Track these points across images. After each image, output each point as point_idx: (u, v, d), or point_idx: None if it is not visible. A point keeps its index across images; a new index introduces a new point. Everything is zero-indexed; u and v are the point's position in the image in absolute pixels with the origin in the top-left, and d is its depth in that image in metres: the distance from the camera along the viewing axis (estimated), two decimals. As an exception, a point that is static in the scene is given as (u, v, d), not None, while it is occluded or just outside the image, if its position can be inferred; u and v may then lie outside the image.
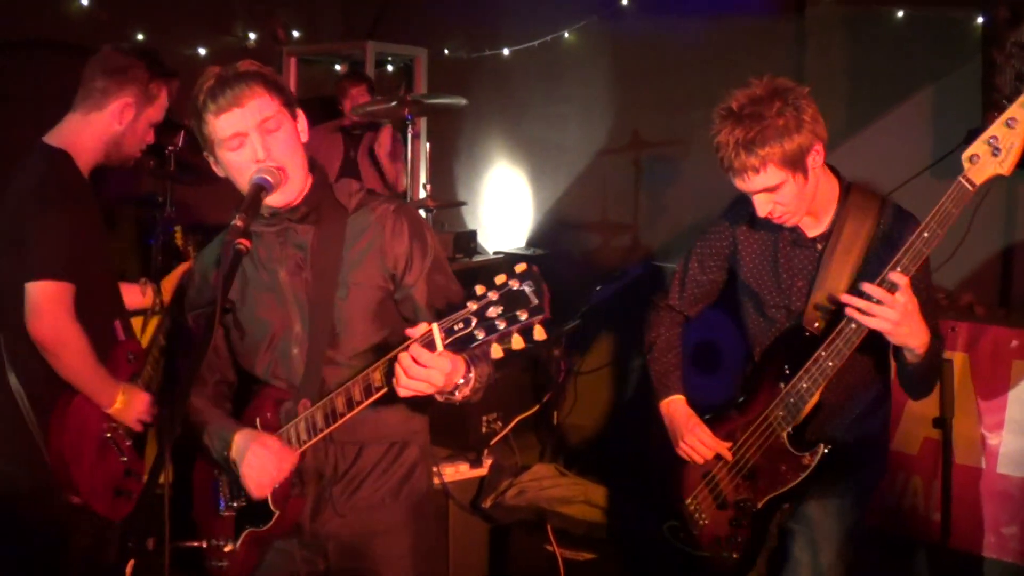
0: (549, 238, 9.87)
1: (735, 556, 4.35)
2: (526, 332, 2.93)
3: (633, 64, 9.22)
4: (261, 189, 3.31)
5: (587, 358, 7.15)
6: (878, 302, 3.66)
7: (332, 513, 3.61)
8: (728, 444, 4.32)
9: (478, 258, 8.51)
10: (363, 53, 10.13)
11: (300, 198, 3.53)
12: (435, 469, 5.66)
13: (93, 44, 8.95)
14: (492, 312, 2.94)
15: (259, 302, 3.61)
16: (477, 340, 2.97)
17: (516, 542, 5.82)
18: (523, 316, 2.91)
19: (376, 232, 3.56)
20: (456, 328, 3.00)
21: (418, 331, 3.11)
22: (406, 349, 3.14)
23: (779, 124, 3.79)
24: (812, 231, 4.14)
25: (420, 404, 3.57)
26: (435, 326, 3.04)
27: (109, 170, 4.67)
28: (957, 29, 6.99)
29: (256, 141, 3.37)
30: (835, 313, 3.96)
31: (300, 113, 3.57)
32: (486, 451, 6.13)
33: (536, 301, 2.92)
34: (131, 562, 2.96)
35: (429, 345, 3.07)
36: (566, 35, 9.51)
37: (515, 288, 2.93)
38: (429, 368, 3.12)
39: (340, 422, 3.40)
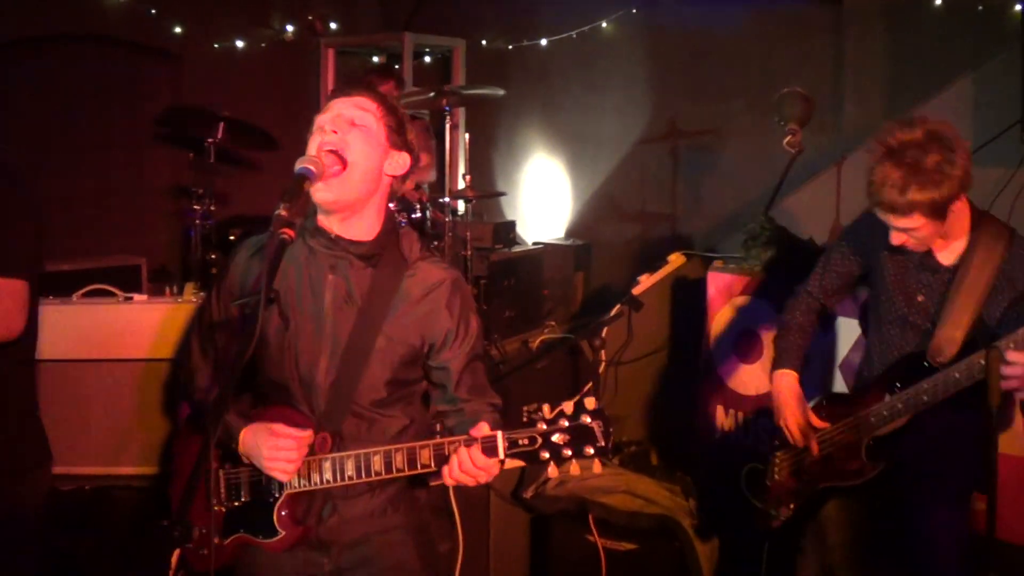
0: (588, 228, 9.87)
1: (781, 518, 4.63)
2: (586, 465, 3.12)
3: (670, 54, 9.21)
4: (304, 179, 3.28)
5: (627, 348, 7.14)
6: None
7: (338, 519, 3.60)
8: (825, 426, 4.48)
9: (517, 248, 8.52)
10: (401, 45, 10.13)
11: (371, 237, 3.56)
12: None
13: (131, 37, 9.09)
14: (559, 439, 3.12)
15: (297, 316, 3.57)
16: (539, 460, 3.14)
17: (557, 532, 5.83)
18: (589, 451, 3.11)
19: (429, 298, 3.58)
20: (521, 443, 3.15)
21: (482, 432, 3.21)
22: (467, 445, 3.22)
23: (935, 179, 3.88)
24: (943, 258, 4.22)
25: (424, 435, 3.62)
26: (500, 435, 3.17)
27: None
28: (996, 17, 6.95)
29: (334, 122, 3.45)
30: (957, 354, 4.07)
31: (404, 155, 3.59)
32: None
33: (603, 443, 3.12)
34: (176, 552, 2.97)
35: (490, 450, 3.18)
36: (603, 25, 9.50)
37: (586, 424, 3.11)
38: (482, 470, 3.22)
39: (370, 480, 3.44)
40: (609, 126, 9.70)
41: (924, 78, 7.28)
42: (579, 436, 3.12)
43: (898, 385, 4.20)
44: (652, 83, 9.35)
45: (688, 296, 7.12)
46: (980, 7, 7.16)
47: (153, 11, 9.05)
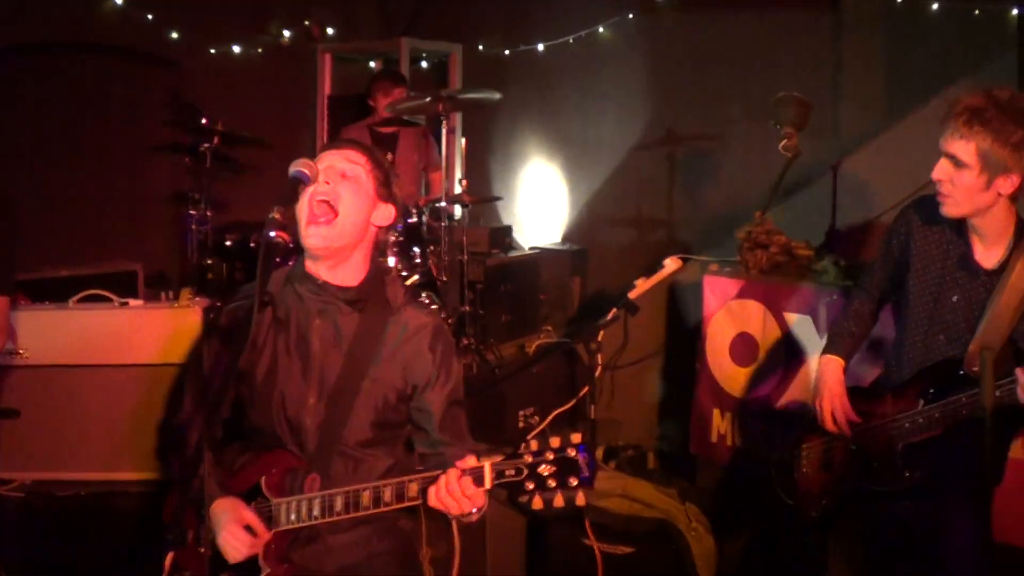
0: (584, 233, 9.88)
1: (813, 515, 4.61)
2: (570, 499, 3.15)
3: (667, 59, 9.22)
4: (299, 182, 3.44)
5: (623, 352, 7.15)
6: None
7: (322, 546, 3.70)
8: (858, 420, 4.44)
9: (514, 253, 8.52)
10: (398, 50, 10.15)
11: (356, 283, 3.72)
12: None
13: (128, 44, 9.10)
14: (544, 470, 3.15)
15: (282, 358, 3.71)
16: (525, 491, 3.17)
17: (554, 536, 5.82)
18: (574, 483, 3.13)
19: (411, 344, 3.73)
20: (507, 473, 3.19)
21: (469, 463, 3.27)
22: (454, 472, 3.29)
23: (1008, 129, 3.88)
24: (982, 259, 4.18)
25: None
26: (488, 465, 3.23)
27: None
28: (994, 22, 6.97)
29: (327, 173, 3.58)
30: (996, 366, 3.95)
31: (390, 207, 3.74)
32: (523, 445, 6.13)
33: (588, 474, 3.14)
34: (170, 555, 2.98)
35: (477, 479, 3.24)
36: (600, 30, 9.52)
37: (571, 456, 3.15)
38: (467, 498, 3.27)
39: (358, 515, 3.53)
40: (606, 131, 9.71)
41: (921, 83, 7.28)
42: (564, 468, 3.15)
43: (932, 392, 4.17)
44: (649, 88, 9.36)
45: (684, 300, 7.14)
46: (977, 12, 7.17)
47: (150, 17, 9.04)
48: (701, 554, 5.59)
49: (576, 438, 3.17)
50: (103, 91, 9.08)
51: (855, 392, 4.55)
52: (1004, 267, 4.10)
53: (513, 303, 8.09)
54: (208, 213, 7.29)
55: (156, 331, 5.67)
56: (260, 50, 9.96)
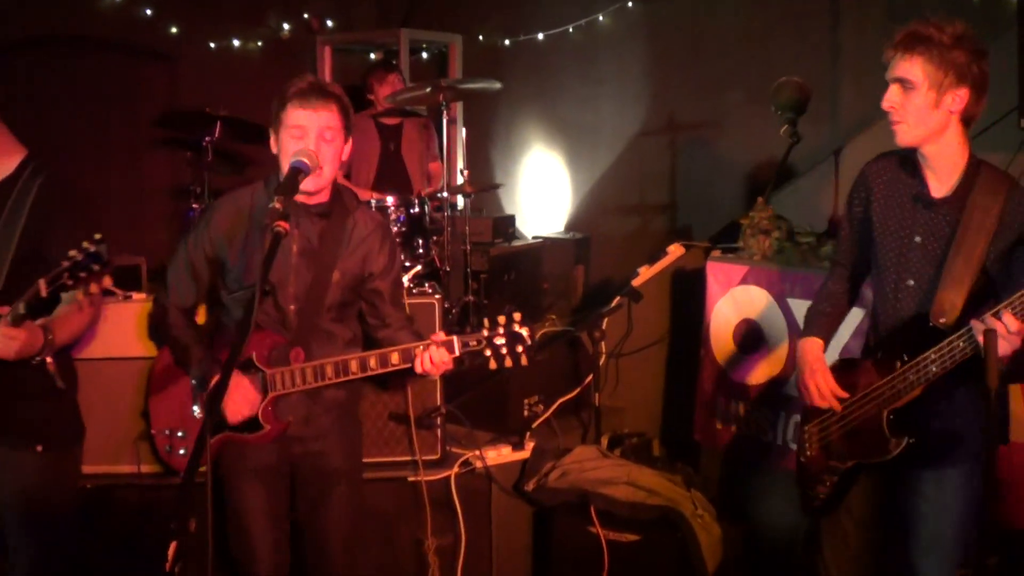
0: (587, 221, 9.87)
1: (820, 497, 4.60)
2: (516, 360, 4.38)
3: (667, 46, 9.21)
4: (299, 172, 4.09)
5: (627, 340, 7.15)
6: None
7: (307, 413, 4.63)
8: (844, 395, 4.45)
9: (517, 242, 8.52)
10: (397, 41, 10.13)
11: (325, 200, 4.57)
12: (477, 453, 5.77)
13: (127, 39, 9.09)
14: (498, 341, 4.36)
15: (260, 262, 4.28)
16: (483, 356, 4.40)
17: (559, 524, 5.82)
18: (520, 350, 4.37)
19: (368, 242, 4.65)
20: (471, 344, 4.39)
21: (441, 338, 4.41)
22: (428, 346, 4.41)
23: (947, 44, 3.99)
24: (935, 190, 4.20)
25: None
26: (456, 338, 4.39)
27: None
28: (992, 4, 6.94)
29: (312, 141, 4.31)
30: (960, 314, 4.06)
31: (350, 140, 4.53)
32: (528, 434, 6.14)
33: (531, 343, 4.39)
34: (173, 544, 2.99)
35: (449, 348, 4.39)
36: (600, 19, 9.51)
37: (517, 331, 4.36)
38: (443, 363, 4.41)
39: (347, 379, 4.50)
40: (607, 119, 9.70)
41: (920, 66, 7.26)
42: (513, 339, 4.35)
43: (906, 355, 4.17)
44: (650, 76, 9.35)
45: (688, 287, 7.13)
46: (977, -6, 7.17)
47: (149, 12, 9.04)
48: (706, 541, 5.58)
49: (517, 316, 4.36)
50: (103, 86, 9.08)
51: (841, 365, 4.56)
52: (957, 195, 4.13)
53: (517, 292, 8.09)
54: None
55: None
56: (259, 43, 9.96)
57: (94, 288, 3.97)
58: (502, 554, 5.80)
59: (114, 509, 5.53)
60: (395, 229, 7.16)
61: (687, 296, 7.12)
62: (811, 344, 4.64)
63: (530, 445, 6.02)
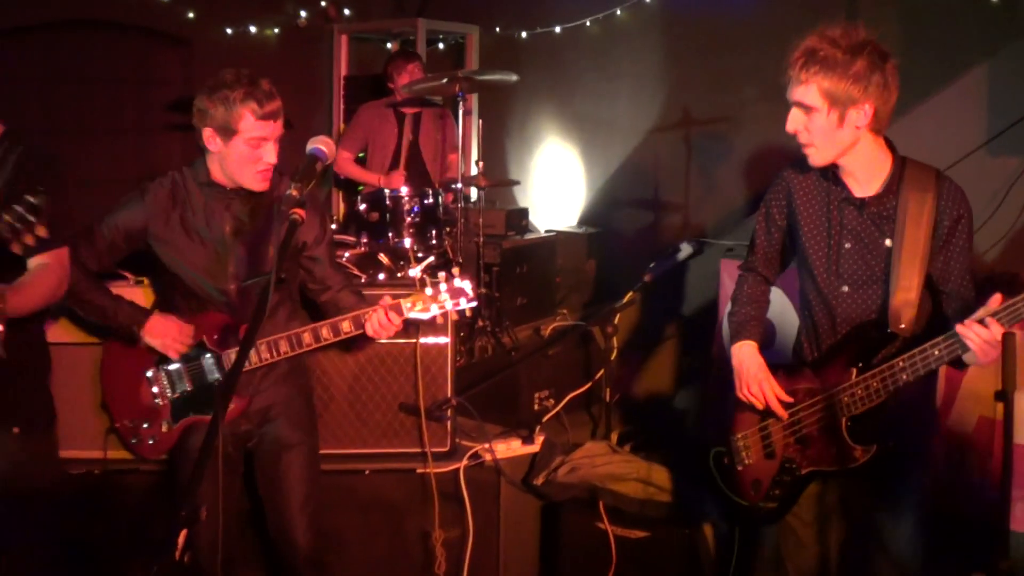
0: (601, 216, 9.84)
1: (770, 506, 4.49)
2: (461, 312, 4.79)
3: (684, 41, 9.17)
4: (316, 160, 4.10)
5: (639, 336, 7.14)
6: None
7: (253, 390, 4.81)
8: (789, 399, 4.38)
9: (529, 236, 8.50)
10: (414, 31, 10.12)
11: None
12: (487, 446, 5.73)
13: (142, 23, 9.08)
14: (442, 298, 4.60)
15: (201, 245, 4.72)
16: (430, 313, 4.64)
17: (568, 519, 5.81)
18: (465, 301, 4.62)
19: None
20: (417, 307, 4.62)
21: (389, 302, 4.63)
22: (376, 311, 4.65)
23: (844, 60, 3.95)
24: (857, 190, 4.17)
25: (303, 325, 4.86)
26: (402, 302, 4.61)
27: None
28: (1010, 4, 6.91)
29: (271, 149, 4.60)
30: (918, 318, 4.06)
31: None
32: (538, 428, 6.14)
33: (472, 295, 4.65)
34: (183, 532, 2.98)
35: (397, 310, 4.62)
36: (618, 13, 9.47)
37: (459, 285, 4.61)
38: (393, 326, 4.64)
39: (302, 351, 4.73)
40: (622, 114, 9.67)
41: (937, 66, 7.22)
42: (454, 293, 4.61)
43: (861, 363, 4.13)
44: (666, 71, 9.32)
45: (701, 283, 7.11)
46: (993, -4, 7.14)
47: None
48: (716, 538, 5.57)
49: (456, 270, 4.72)
50: (117, 71, 9.07)
51: (776, 370, 4.49)
52: (886, 193, 4.11)
53: (529, 286, 8.07)
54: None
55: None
56: (276, 30, 9.95)
57: (28, 239, 3.77)
58: (510, 548, 5.79)
59: (123, 494, 5.51)
60: (408, 220, 7.17)
61: (700, 293, 7.11)
62: (748, 348, 4.60)
63: (540, 439, 6.00)
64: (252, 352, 4.63)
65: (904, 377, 3.98)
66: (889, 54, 4.03)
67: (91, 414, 5.42)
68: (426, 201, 7.22)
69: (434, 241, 7.22)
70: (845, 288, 4.23)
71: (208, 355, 4.74)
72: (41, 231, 3.73)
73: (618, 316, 6.72)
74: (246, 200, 4.71)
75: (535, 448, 5.97)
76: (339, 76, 10.34)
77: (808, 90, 3.98)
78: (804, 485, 4.40)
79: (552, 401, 6.53)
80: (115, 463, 5.53)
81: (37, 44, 8.53)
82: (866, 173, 4.13)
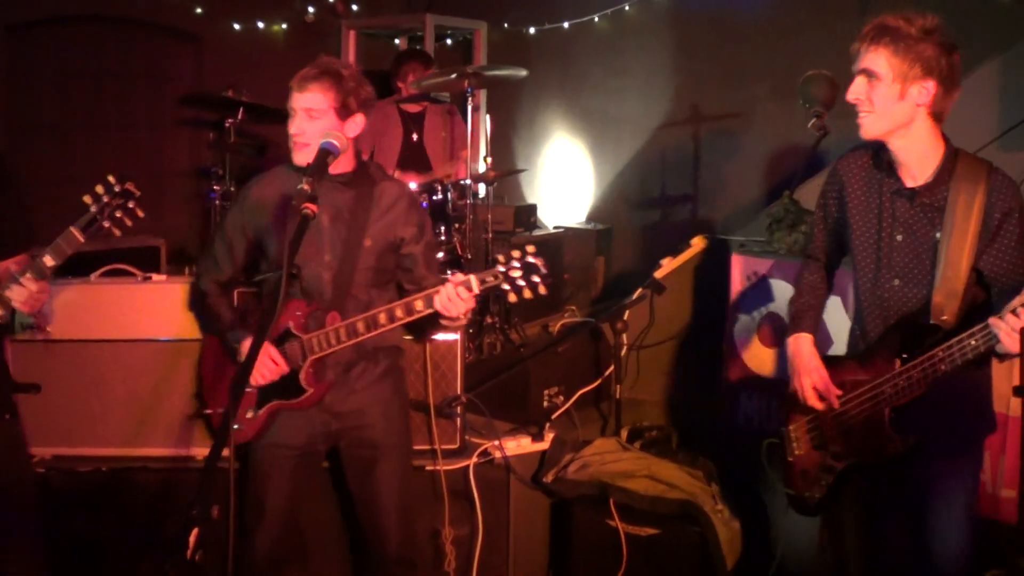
0: (609, 212, 9.84)
1: (816, 496, 4.54)
2: (535, 290, 4.40)
3: (693, 37, 9.17)
4: (328, 154, 4.27)
5: (649, 332, 7.12)
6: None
7: (348, 390, 4.84)
8: (839, 392, 4.40)
9: (538, 232, 8.50)
10: (422, 26, 10.10)
11: (349, 170, 4.78)
12: (496, 443, 5.73)
13: (152, 19, 9.08)
14: (514, 273, 4.37)
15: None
16: (501, 290, 4.42)
17: (578, 517, 5.79)
18: (536, 280, 4.38)
19: (396, 208, 4.87)
20: (488, 280, 4.41)
21: (459, 277, 4.47)
22: (446, 285, 4.48)
23: (915, 37, 3.97)
24: (908, 179, 4.17)
25: (406, 330, 5.04)
26: (473, 277, 4.44)
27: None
28: (1019, 2, 6.89)
29: (296, 122, 4.62)
30: (962, 310, 4.04)
31: (358, 116, 4.72)
32: (548, 425, 6.10)
33: (545, 272, 4.40)
34: (195, 531, 2.97)
35: (467, 286, 4.44)
36: (626, 8, 9.47)
37: (531, 261, 4.36)
38: (464, 300, 4.47)
39: (377, 332, 4.65)
40: (631, 110, 9.66)
41: (949, 62, 7.20)
42: (528, 270, 4.36)
43: (905, 355, 4.13)
44: (675, 67, 9.31)
45: (711, 279, 7.09)
46: (1004, -7, 7.12)
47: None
48: (726, 536, 5.55)
49: (531, 248, 4.39)
50: (127, 66, 9.08)
51: (828, 363, 4.50)
52: (936, 183, 4.10)
53: (537, 282, 8.05)
54: (231, 189, 7.25)
55: (178, 306, 5.63)
56: (284, 26, 9.94)
57: (128, 222, 4.32)
58: (519, 545, 5.77)
59: (131, 492, 5.50)
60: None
61: (710, 289, 7.09)
62: (804, 341, 4.60)
63: (549, 436, 5.98)
64: (329, 335, 4.67)
65: (943, 368, 3.97)
66: (956, 47, 4.05)
67: (97, 412, 5.42)
68: (435, 197, 7.20)
69: (443, 237, 7.20)
70: (896, 282, 4.22)
71: (292, 341, 4.76)
72: (140, 212, 4.42)
73: (628, 312, 6.71)
74: (342, 189, 4.77)
75: (545, 445, 5.96)
76: (347, 72, 10.32)
77: (877, 58, 3.99)
78: (849, 476, 4.44)
79: (562, 398, 6.51)
80: (122, 461, 5.53)
81: (48, 39, 8.53)
82: (919, 160, 4.12)
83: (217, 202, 7.26)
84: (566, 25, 9.90)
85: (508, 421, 6.14)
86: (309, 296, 4.77)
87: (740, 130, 8.88)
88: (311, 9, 10.09)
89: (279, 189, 4.80)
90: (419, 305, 4.56)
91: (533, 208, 8.69)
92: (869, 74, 4.02)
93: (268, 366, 4.69)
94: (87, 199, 4.21)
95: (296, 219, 3.86)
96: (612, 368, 6.66)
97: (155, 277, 5.74)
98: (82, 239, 4.21)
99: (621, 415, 6.57)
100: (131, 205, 4.28)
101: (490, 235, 7.17)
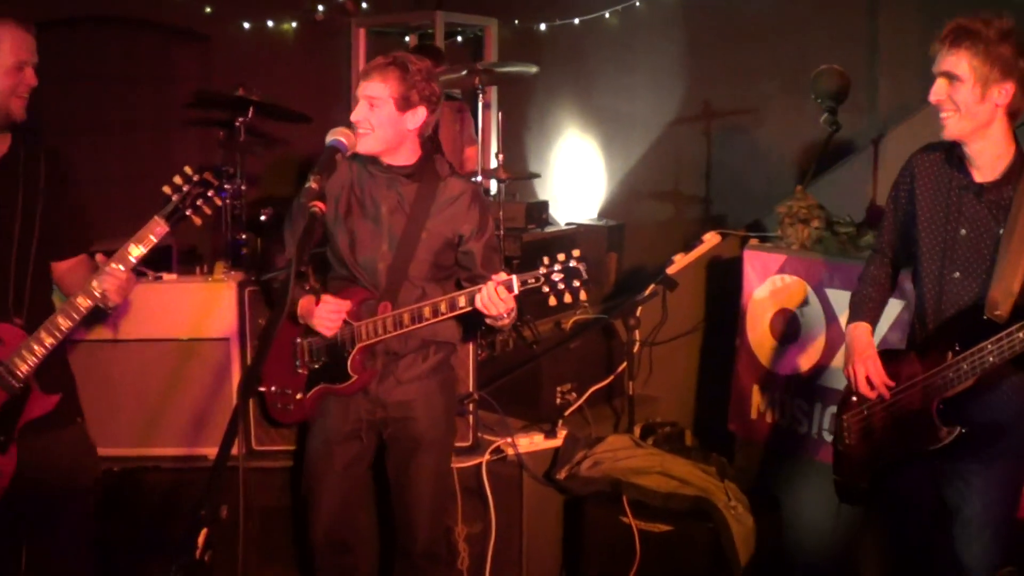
0: (622, 209, 9.81)
1: (863, 486, 4.65)
2: (575, 295, 4.42)
3: (704, 33, 9.15)
4: (335, 152, 4.30)
5: (662, 328, 7.10)
6: None
7: (394, 381, 4.93)
8: (891, 384, 4.47)
9: (550, 229, 8.46)
10: (432, 23, 10.08)
11: (412, 162, 4.84)
12: (509, 440, 5.76)
13: (160, 18, 9.07)
14: (556, 277, 4.39)
15: (360, 222, 4.87)
16: (541, 292, 4.44)
17: (591, 514, 5.79)
18: (577, 284, 4.40)
19: (456, 204, 4.90)
20: (529, 281, 4.44)
21: (501, 277, 4.48)
22: (488, 284, 4.48)
23: (994, 39, 4.03)
24: (978, 175, 4.23)
25: (459, 327, 5.07)
26: (514, 277, 4.45)
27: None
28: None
29: (361, 107, 4.69)
30: (1017, 307, 4.07)
31: (418, 110, 4.74)
32: (560, 422, 6.11)
33: (586, 277, 4.41)
34: (204, 531, 2.95)
35: (508, 287, 4.45)
36: (637, 4, 9.45)
37: (573, 265, 4.39)
38: (503, 300, 4.47)
39: (422, 325, 4.72)
40: (642, 106, 9.64)
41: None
42: (570, 274, 4.39)
43: (958, 345, 4.18)
44: (686, 63, 9.29)
45: (724, 275, 7.08)
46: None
47: (183, -10, 9.05)
48: (740, 532, 5.54)
49: (576, 252, 4.40)
50: (135, 65, 9.07)
51: (884, 356, 4.55)
52: (1005, 181, 4.17)
53: (549, 279, 8.03)
54: (242, 188, 7.23)
55: (190, 305, 5.64)
56: (294, 24, 9.93)
57: (208, 211, 4.42)
58: (533, 543, 5.77)
59: (142, 492, 5.51)
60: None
61: (723, 285, 7.07)
62: (861, 329, 4.65)
63: (562, 433, 5.98)
64: (377, 324, 4.76)
65: (991, 360, 4.04)
66: None
67: (107, 412, 5.42)
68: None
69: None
70: (957, 274, 4.28)
71: (344, 327, 4.84)
72: (218, 201, 4.49)
73: (640, 309, 6.69)
74: (404, 182, 4.85)
75: (557, 442, 5.95)
76: (357, 70, 10.28)
77: (958, 61, 4.05)
78: (893, 469, 4.51)
79: (574, 395, 6.49)
80: (134, 460, 5.54)
81: (55, 40, 8.49)
82: (991, 159, 4.19)
83: (228, 201, 7.23)
84: (576, 21, 9.88)
85: (521, 418, 6.14)
86: (364, 283, 4.87)
87: (752, 126, 8.86)
88: (320, 7, 10.07)
89: (340, 179, 4.89)
90: (461, 302, 4.62)
91: (545, 205, 8.65)
92: (951, 76, 4.08)
93: (331, 315, 4.78)
94: (167, 189, 4.38)
95: (305, 217, 3.88)
96: (625, 364, 6.65)
97: (166, 277, 5.75)
98: (167, 227, 4.35)
99: (634, 411, 6.55)
100: (210, 194, 4.37)
101: (502, 232, 7.15)
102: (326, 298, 4.79)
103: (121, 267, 4.27)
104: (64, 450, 4.43)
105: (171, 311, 5.63)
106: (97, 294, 4.23)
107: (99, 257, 4.37)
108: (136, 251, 4.30)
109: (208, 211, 4.41)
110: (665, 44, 9.38)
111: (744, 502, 5.68)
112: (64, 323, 4.23)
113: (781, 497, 6.05)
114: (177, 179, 4.37)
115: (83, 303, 4.23)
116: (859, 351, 4.57)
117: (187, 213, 4.35)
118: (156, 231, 4.33)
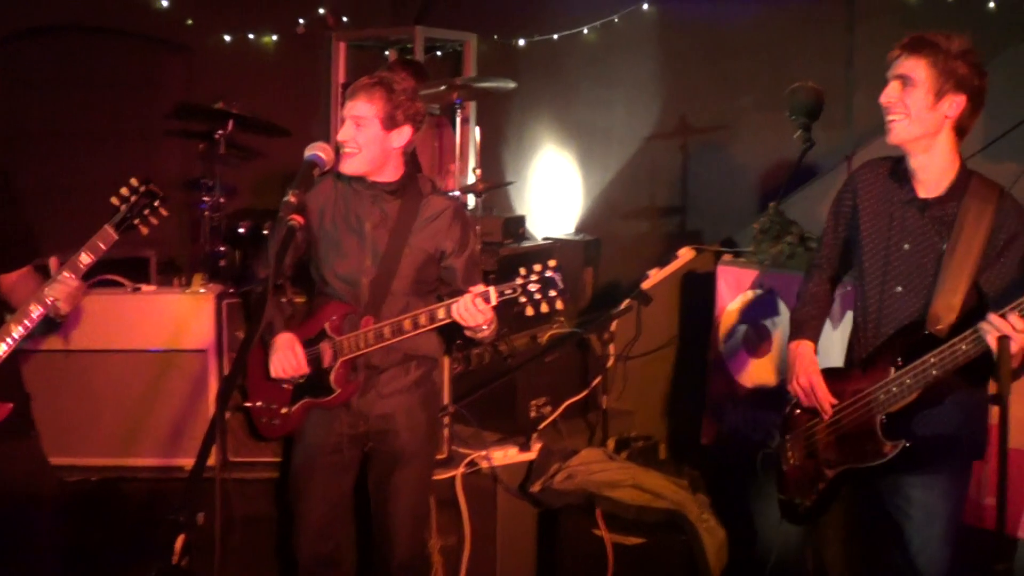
0: (598, 223, 9.83)
1: (806, 504, 4.65)
2: (552, 304, 4.46)
3: (681, 49, 9.19)
4: (313, 166, 4.36)
5: (636, 343, 7.14)
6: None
7: (376, 395, 4.95)
8: (834, 401, 4.48)
9: (527, 243, 8.50)
10: (412, 38, 10.11)
11: (395, 179, 4.90)
12: (484, 453, 5.82)
13: (141, 29, 9.09)
14: (532, 288, 4.44)
15: (344, 238, 4.90)
16: (519, 303, 4.48)
17: (565, 526, 5.82)
18: (554, 294, 4.45)
19: (439, 220, 4.94)
20: (506, 292, 4.47)
21: (479, 288, 4.52)
22: (464, 296, 4.53)
23: (952, 54, 4.12)
24: (922, 190, 4.28)
25: (442, 341, 5.17)
26: (492, 288, 4.48)
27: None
28: (1007, 11, 6.93)
29: (347, 127, 4.75)
30: (958, 322, 4.12)
31: (404, 128, 4.82)
32: (535, 435, 6.14)
33: (563, 287, 4.47)
34: (181, 537, 2.99)
35: (486, 298, 4.49)
36: (615, 20, 9.48)
37: (549, 275, 4.43)
38: (480, 312, 4.52)
39: (402, 337, 4.74)
40: (619, 121, 9.67)
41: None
42: (546, 284, 4.43)
43: (900, 360, 4.21)
44: (663, 78, 9.33)
45: (698, 290, 7.12)
46: (992, 3, 7.14)
47: (165, 3, 9.06)
48: (712, 544, 5.59)
49: (552, 263, 4.45)
50: (117, 76, 9.08)
51: (827, 373, 4.58)
52: (949, 197, 4.21)
53: (525, 293, 8.06)
54: (221, 200, 7.26)
55: (168, 317, 5.66)
56: (274, 37, 9.95)
57: (154, 220, 4.62)
58: (507, 555, 5.80)
59: (120, 502, 5.53)
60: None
61: (697, 300, 7.11)
62: (804, 347, 4.69)
63: (537, 446, 6.02)
64: (359, 338, 4.79)
65: (934, 372, 4.08)
66: (986, 73, 4.21)
67: (86, 422, 5.44)
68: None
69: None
70: (899, 288, 4.33)
71: (326, 341, 4.87)
72: (164, 211, 4.71)
73: (615, 323, 6.73)
74: (388, 198, 4.90)
75: (532, 455, 5.99)
76: (337, 83, 10.32)
77: (916, 66, 4.13)
78: (839, 485, 4.52)
79: (549, 408, 6.53)
80: (111, 471, 5.55)
81: (38, 49, 8.54)
82: (936, 175, 4.24)
83: (207, 213, 7.26)
84: (555, 37, 9.91)
85: (495, 431, 6.17)
86: (347, 298, 4.90)
87: (727, 142, 8.90)
88: (301, 21, 10.10)
89: (324, 195, 4.96)
90: (441, 314, 4.65)
91: (522, 219, 8.70)
92: (905, 80, 4.15)
93: (289, 361, 4.85)
94: (115, 200, 4.48)
95: (282, 230, 3.95)
96: (599, 379, 6.69)
97: (144, 288, 5.77)
98: (116, 236, 4.46)
99: (608, 425, 6.60)
100: (156, 204, 4.54)
101: (479, 246, 7.19)
102: (297, 348, 4.88)
103: (72, 275, 4.35)
104: (19, 465, 4.46)
105: (149, 322, 5.65)
106: (48, 301, 4.31)
107: (53, 261, 4.42)
108: (86, 259, 4.38)
109: (155, 221, 4.58)
110: (642, 60, 9.41)
111: (716, 515, 5.72)
112: (16, 330, 4.32)
113: (753, 509, 6.09)
114: (124, 190, 4.51)
115: (34, 310, 4.33)
116: (802, 368, 4.61)
117: (135, 223, 4.50)
118: (106, 239, 4.43)
